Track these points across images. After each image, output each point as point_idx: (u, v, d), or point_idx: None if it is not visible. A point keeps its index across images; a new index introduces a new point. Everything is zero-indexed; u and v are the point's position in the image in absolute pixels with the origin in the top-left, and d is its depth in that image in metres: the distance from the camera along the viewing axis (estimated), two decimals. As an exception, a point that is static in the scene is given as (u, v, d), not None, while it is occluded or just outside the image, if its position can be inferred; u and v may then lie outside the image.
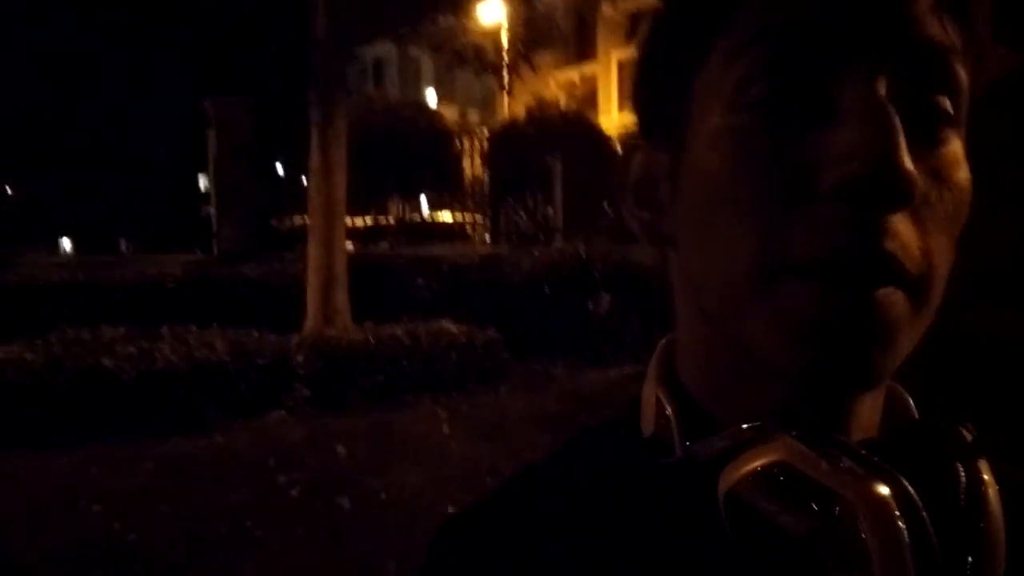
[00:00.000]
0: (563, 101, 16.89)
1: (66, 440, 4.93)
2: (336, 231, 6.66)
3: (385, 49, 23.65)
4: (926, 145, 0.38)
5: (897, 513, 0.35)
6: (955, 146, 0.39)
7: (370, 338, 6.03)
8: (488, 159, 11.19)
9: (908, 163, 0.35)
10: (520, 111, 15.91)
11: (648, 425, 0.46)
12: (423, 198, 13.31)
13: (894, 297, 0.37)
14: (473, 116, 21.11)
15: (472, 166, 11.47)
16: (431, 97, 20.41)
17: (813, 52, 0.37)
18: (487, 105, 21.14)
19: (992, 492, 0.39)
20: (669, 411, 0.44)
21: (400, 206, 12.31)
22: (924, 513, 0.35)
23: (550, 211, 10.70)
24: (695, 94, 0.41)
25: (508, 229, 11.00)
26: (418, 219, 12.72)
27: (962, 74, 0.39)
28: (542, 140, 11.30)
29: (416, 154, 11.57)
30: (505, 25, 10.71)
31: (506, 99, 17.11)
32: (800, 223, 0.36)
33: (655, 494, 0.44)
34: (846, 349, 0.37)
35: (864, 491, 0.35)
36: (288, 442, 5.17)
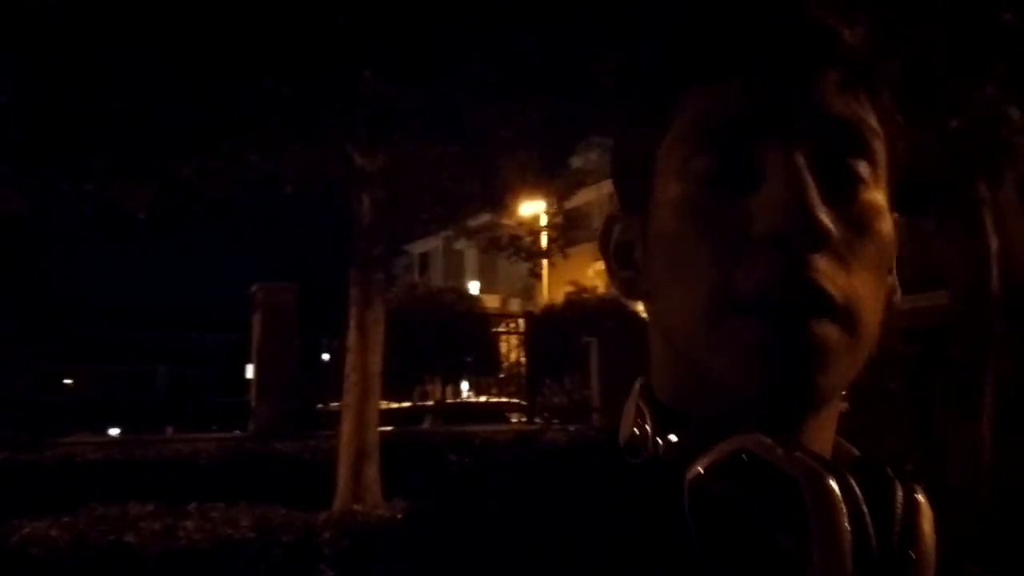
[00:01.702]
0: (600, 287, 17.31)
1: (81, 621, 4.77)
2: (370, 407, 6.70)
3: (431, 244, 24.88)
4: (845, 199, 0.45)
5: (840, 499, 0.40)
6: (873, 200, 0.46)
7: (398, 515, 5.85)
8: (526, 342, 11.35)
9: (821, 213, 0.42)
10: (559, 297, 16.30)
11: (625, 433, 0.51)
12: (464, 381, 13.40)
13: (826, 327, 0.42)
14: (514, 304, 21.65)
15: (510, 348, 11.62)
16: (474, 286, 21.11)
17: (740, 134, 0.45)
18: (528, 293, 21.73)
19: (925, 511, 0.43)
20: (646, 413, 0.49)
21: (441, 388, 12.38)
22: (864, 507, 0.40)
23: (587, 391, 10.64)
24: (655, 171, 0.50)
25: (545, 408, 10.92)
26: (458, 401, 12.72)
27: (873, 140, 0.46)
28: (579, 323, 11.49)
29: (457, 338, 11.80)
30: (543, 218, 11.30)
31: (546, 287, 17.60)
32: (741, 267, 0.43)
33: (625, 491, 0.48)
34: (787, 372, 0.42)
35: (813, 476, 0.40)
36: (307, 626, 4.91)
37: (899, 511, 0.42)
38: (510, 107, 6.81)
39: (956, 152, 6.79)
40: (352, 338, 6.81)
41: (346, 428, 6.57)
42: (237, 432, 8.49)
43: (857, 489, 0.41)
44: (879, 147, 0.46)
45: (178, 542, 5.24)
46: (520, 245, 9.46)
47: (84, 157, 6.51)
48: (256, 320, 8.31)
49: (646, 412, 0.49)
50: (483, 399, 12.38)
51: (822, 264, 0.42)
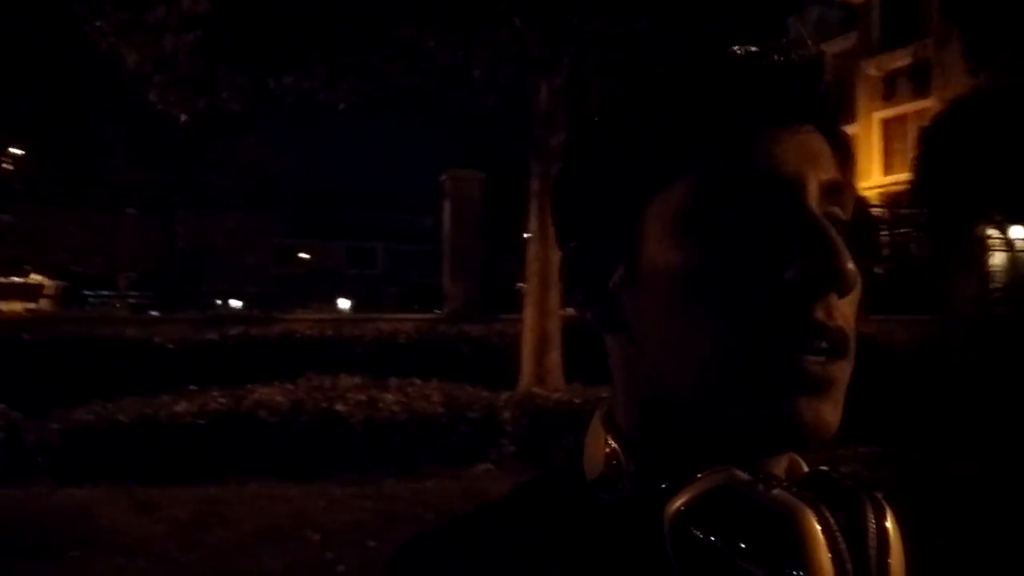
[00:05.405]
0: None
1: (302, 474, 5.57)
2: (551, 295, 6.91)
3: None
4: None
5: (821, 535, 0.41)
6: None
7: (575, 399, 6.12)
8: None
9: (851, 264, 0.45)
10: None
11: (595, 468, 0.50)
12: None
13: (842, 368, 0.46)
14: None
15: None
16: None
17: (759, 189, 0.46)
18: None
19: (895, 539, 0.45)
20: (619, 452, 0.49)
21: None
22: (841, 539, 0.42)
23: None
24: (651, 208, 0.48)
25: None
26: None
27: (847, 192, 0.50)
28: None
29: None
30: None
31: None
32: (769, 311, 0.45)
33: (602, 529, 0.48)
34: (809, 413, 0.44)
35: (796, 512, 0.42)
36: (492, 493, 5.34)
37: (872, 540, 0.44)
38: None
39: None
40: (532, 228, 6.97)
41: (528, 315, 6.86)
42: (435, 311, 9.12)
43: (834, 522, 0.42)
44: (849, 199, 0.49)
45: (380, 413, 5.87)
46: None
47: (280, 54, 6.97)
48: (446, 208, 8.72)
49: (617, 446, 0.49)
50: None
51: (844, 308, 0.45)
